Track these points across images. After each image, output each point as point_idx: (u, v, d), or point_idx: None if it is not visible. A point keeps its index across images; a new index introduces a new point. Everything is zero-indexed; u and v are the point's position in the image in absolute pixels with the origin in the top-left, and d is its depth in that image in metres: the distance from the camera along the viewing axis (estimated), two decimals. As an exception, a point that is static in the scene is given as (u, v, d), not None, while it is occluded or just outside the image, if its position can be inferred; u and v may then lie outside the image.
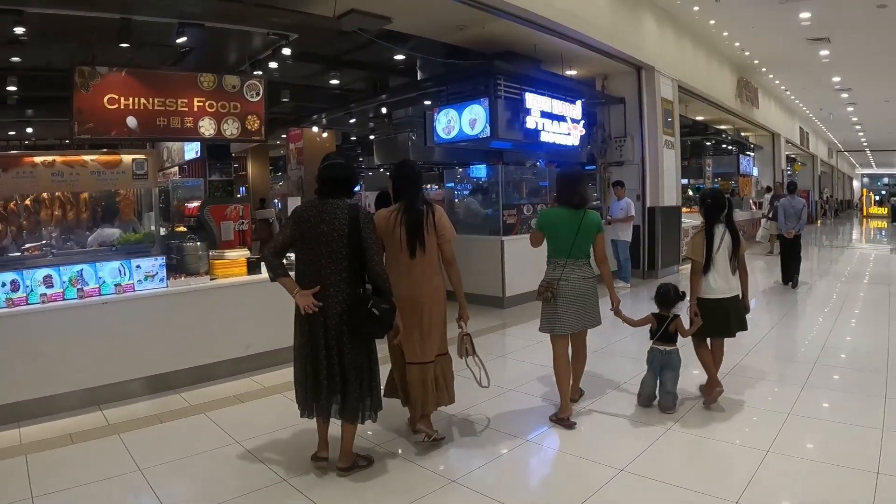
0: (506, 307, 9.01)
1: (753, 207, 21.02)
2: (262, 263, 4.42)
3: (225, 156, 22.67)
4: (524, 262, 8.71)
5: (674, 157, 12.73)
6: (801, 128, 28.19)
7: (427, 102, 10.56)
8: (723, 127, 21.21)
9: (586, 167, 13.40)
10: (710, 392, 4.74)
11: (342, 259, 3.56)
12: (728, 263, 4.73)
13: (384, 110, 11.90)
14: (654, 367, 4.74)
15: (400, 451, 4.15)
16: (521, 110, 9.38)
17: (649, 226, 11.92)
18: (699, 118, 18.91)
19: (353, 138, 18.39)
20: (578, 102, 10.54)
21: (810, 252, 16.77)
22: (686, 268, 13.29)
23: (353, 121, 13.54)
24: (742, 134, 22.64)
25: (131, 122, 6.52)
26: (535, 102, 9.57)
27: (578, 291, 4.46)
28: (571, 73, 11.58)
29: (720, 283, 4.72)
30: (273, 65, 8.18)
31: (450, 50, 9.74)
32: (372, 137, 13.35)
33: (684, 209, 13.97)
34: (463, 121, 9.40)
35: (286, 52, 7.55)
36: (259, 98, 7.33)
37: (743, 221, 19.60)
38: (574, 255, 4.46)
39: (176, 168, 18.26)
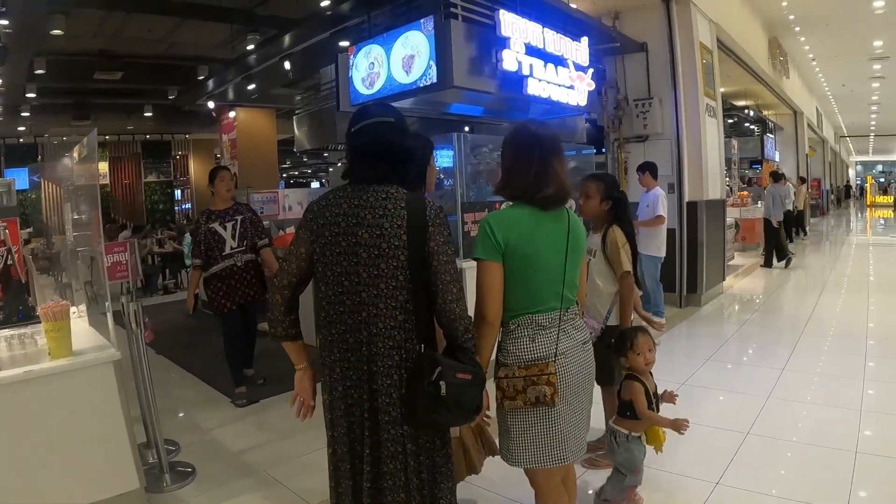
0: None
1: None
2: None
3: (163, 153, 19.83)
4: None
5: (716, 130, 8.92)
6: (817, 108, 24.86)
7: (344, 44, 6.63)
8: (742, 103, 17.74)
9: (584, 151, 9.53)
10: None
11: (397, 290, 2.15)
12: None
13: (287, 66, 7.97)
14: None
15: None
16: (492, 41, 5.51)
17: (689, 229, 8.10)
18: (721, 90, 15.26)
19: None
20: (584, 40, 6.66)
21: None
22: (732, 284, 10.11)
23: (251, 87, 9.58)
24: (763, 113, 19.10)
25: None
26: (517, 29, 5.65)
27: (584, 372, 2.44)
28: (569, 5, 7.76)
29: None
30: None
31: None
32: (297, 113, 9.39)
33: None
34: (393, 62, 5.51)
35: None
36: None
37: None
38: (565, 298, 2.40)
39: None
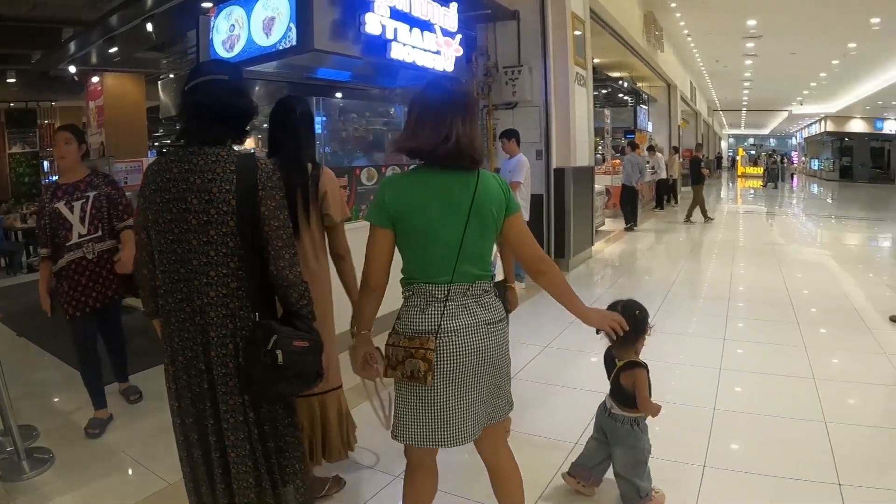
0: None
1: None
2: None
3: (28, 122, 18.42)
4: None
5: (586, 99, 9.25)
6: (691, 82, 26.16)
7: (207, 5, 6.42)
8: (616, 74, 18.42)
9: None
10: None
11: (228, 257, 2.07)
12: None
13: (150, 27, 7.61)
14: (597, 433, 2.98)
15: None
16: (356, 4, 5.49)
17: (556, 195, 8.40)
18: (596, 60, 15.78)
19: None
20: (453, 6, 6.74)
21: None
22: (602, 249, 10.49)
23: (115, 50, 9.13)
24: (637, 84, 19.90)
25: None
26: (381, -8, 5.68)
27: (482, 354, 2.16)
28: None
29: None
30: None
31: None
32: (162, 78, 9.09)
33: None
34: (253, 24, 5.40)
35: None
36: None
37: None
38: (465, 272, 2.15)
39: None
